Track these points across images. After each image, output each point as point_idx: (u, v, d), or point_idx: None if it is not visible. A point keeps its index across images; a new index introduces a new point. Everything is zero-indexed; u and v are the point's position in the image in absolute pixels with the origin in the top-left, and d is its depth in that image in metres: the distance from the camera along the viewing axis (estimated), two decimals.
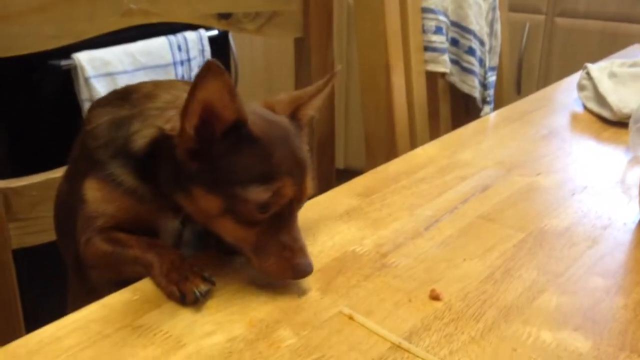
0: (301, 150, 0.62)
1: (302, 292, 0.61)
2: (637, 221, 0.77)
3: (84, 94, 1.65)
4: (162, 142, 0.60)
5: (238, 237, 0.60)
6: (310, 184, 0.62)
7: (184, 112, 0.56)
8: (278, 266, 0.59)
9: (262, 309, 0.58)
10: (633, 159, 0.96)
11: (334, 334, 0.55)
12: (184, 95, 0.57)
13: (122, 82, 1.72)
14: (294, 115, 0.65)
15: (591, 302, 0.61)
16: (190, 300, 0.57)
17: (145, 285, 0.61)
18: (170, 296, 0.59)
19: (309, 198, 0.63)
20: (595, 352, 0.53)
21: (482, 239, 0.73)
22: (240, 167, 0.58)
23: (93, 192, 0.65)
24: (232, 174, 0.58)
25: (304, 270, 0.59)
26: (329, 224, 0.75)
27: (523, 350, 0.54)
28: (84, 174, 0.66)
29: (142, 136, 0.62)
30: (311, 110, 0.67)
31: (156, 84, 0.67)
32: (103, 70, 1.68)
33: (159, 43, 1.80)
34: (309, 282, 0.63)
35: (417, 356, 0.53)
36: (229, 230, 0.60)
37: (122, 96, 0.67)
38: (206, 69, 0.54)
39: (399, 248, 0.70)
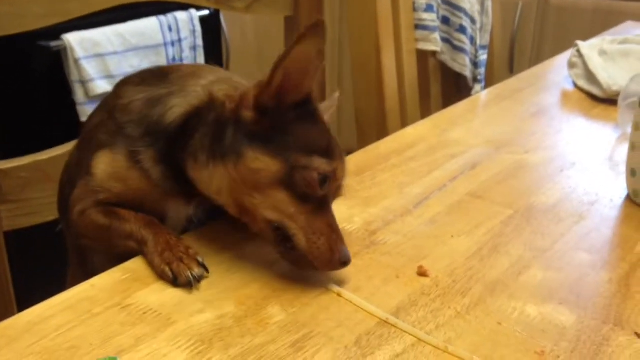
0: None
1: (291, 270, 0.61)
2: (623, 197, 0.78)
3: (74, 75, 1.64)
4: (201, 114, 0.60)
5: (288, 211, 0.57)
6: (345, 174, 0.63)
7: (277, 65, 0.56)
8: (328, 250, 0.57)
9: (251, 287, 0.59)
10: (621, 136, 0.97)
11: (322, 310, 0.56)
12: (230, 78, 0.60)
13: (113, 63, 1.71)
14: None
15: (576, 277, 0.62)
16: (182, 282, 0.57)
17: (135, 265, 0.61)
18: (162, 276, 0.59)
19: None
20: (579, 326, 0.54)
21: (470, 216, 0.73)
22: (308, 138, 0.58)
23: (105, 166, 0.64)
24: (299, 142, 0.58)
25: (348, 258, 0.58)
26: None
27: (508, 324, 0.55)
28: (101, 146, 0.64)
29: (178, 109, 0.62)
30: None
31: (197, 66, 0.67)
32: (93, 51, 1.67)
33: (149, 23, 1.79)
34: None
35: (404, 331, 0.54)
36: (279, 204, 0.57)
37: (158, 75, 0.66)
38: (311, 28, 0.54)
39: (388, 225, 0.71)
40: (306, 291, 0.58)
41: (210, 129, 0.60)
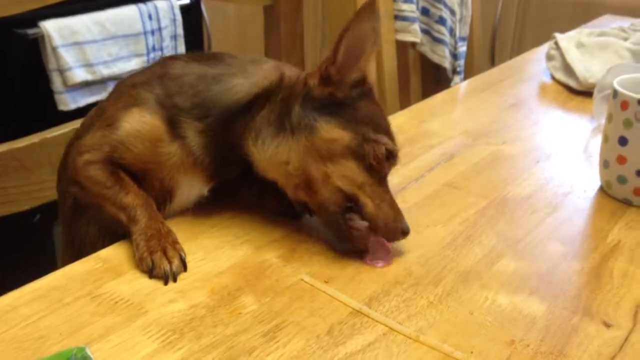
0: None
1: (265, 260, 0.61)
2: (597, 188, 0.79)
3: (51, 64, 1.62)
4: (269, 93, 0.63)
5: (357, 180, 0.61)
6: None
7: (342, 36, 0.59)
8: (392, 218, 0.61)
9: (224, 276, 0.59)
10: (596, 128, 0.97)
11: (295, 300, 0.56)
12: (285, 64, 0.65)
13: (91, 51, 1.69)
14: None
15: (548, 267, 0.62)
16: (157, 274, 0.57)
17: (108, 254, 0.61)
18: (140, 262, 0.58)
19: None
20: (549, 315, 0.55)
21: (446, 206, 0.74)
22: (373, 115, 0.63)
23: (134, 122, 0.62)
24: (366, 117, 0.62)
25: (408, 229, 0.62)
26: None
27: (479, 313, 0.55)
28: (139, 103, 0.63)
29: (243, 88, 0.63)
30: None
31: (253, 56, 0.69)
32: (71, 39, 1.64)
33: (129, 11, 1.77)
34: (274, 249, 0.63)
35: (376, 320, 0.54)
36: (350, 173, 0.61)
37: (211, 57, 0.68)
38: (370, 4, 0.59)
39: None
40: (280, 281, 0.58)
41: (277, 106, 0.63)
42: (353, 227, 0.61)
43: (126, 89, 0.67)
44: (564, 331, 0.53)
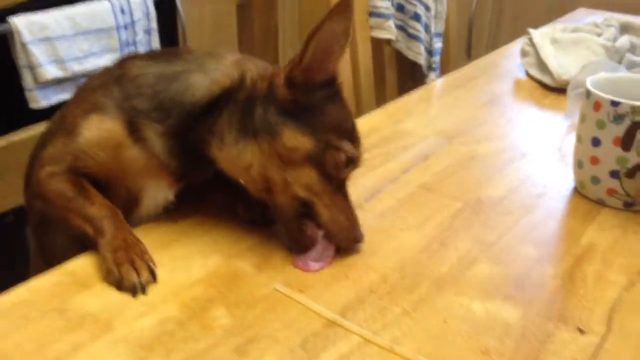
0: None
1: (237, 269, 0.60)
2: (571, 189, 0.79)
3: (22, 60, 1.58)
4: (230, 92, 0.61)
5: (315, 188, 0.60)
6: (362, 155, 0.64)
7: (312, 37, 0.57)
8: (346, 227, 0.61)
9: (196, 288, 0.57)
10: (570, 126, 0.98)
11: (269, 311, 0.55)
12: (249, 58, 0.63)
13: (62, 47, 1.66)
14: None
15: (522, 272, 0.62)
16: (126, 287, 0.55)
17: (75, 266, 0.59)
18: (107, 274, 0.57)
19: None
20: (523, 322, 0.55)
21: (420, 209, 0.73)
22: (338, 119, 0.61)
23: (94, 129, 0.61)
24: (329, 122, 0.60)
25: (362, 237, 0.63)
26: None
27: (453, 321, 0.55)
28: (97, 109, 0.62)
29: (201, 87, 0.61)
30: None
31: (212, 49, 0.67)
32: (41, 34, 1.61)
33: (100, 6, 1.73)
34: (247, 257, 0.62)
35: (351, 331, 0.53)
36: (308, 180, 0.60)
37: (169, 54, 0.66)
38: (344, 4, 0.56)
39: None
40: (253, 291, 0.58)
41: (239, 107, 0.61)
42: (306, 234, 0.61)
43: (84, 94, 0.65)
44: (538, 338, 0.53)
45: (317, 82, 0.60)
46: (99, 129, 0.61)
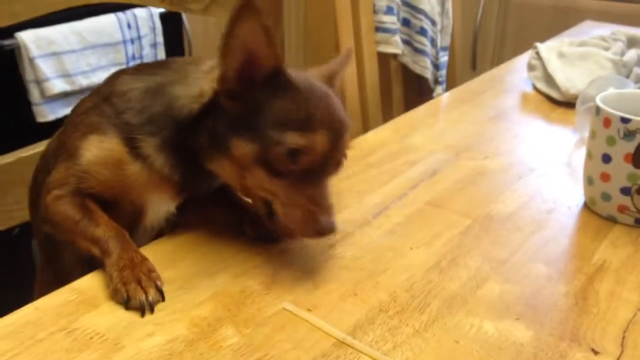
0: (342, 110, 0.61)
1: (245, 288, 0.60)
2: (581, 204, 0.78)
3: (29, 75, 1.59)
4: (208, 103, 0.60)
5: (268, 188, 0.59)
6: (348, 143, 0.61)
7: (223, 52, 0.56)
8: (302, 221, 0.58)
9: (204, 306, 0.57)
10: (579, 140, 0.97)
11: (278, 331, 0.54)
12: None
13: (69, 62, 1.66)
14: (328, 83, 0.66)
15: (533, 290, 0.61)
16: (134, 306, 0.55)
17: (83, 285, 0.59)
18: (114, 294, 0.56)
19: (345, 157, 0.63)
20: (536, 343, 0.54)
21: (429, 226, 0.73)
22: (279, 110, 0.58)
23: (94, 149, 0.62)
24: (270, 117, 0.58)
25: (328, 228, 0.59)
26: None
27: (465, 342, 0.54)
28: (93, 130, 0.63)
29: (185, 100, 0.61)
30: (339, 83, 0.67)
31: (197, 55, 0.66)
32: (48, 49, 1.62)
33: (107, 21, 1.74)
34: (254, 275, 0.62)
35: (361, 352, 0.53)
36: (260, 181, 0.59)
37: (156, 65, 0.66)
38: (240, 7, 0.54)
39: (346, 237, 0.70)
40: (262, 310, 0.57)
41: (211, 120, 0.60)
42: (274, 230, 0.63)
43: (79, 118, 0.66)
44: (551, 358, 0.52)
45: (259, 80, 0.58)
46: (99, 149, 0.62)
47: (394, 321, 0.56)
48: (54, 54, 1.65)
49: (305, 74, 0.63)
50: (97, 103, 0.65)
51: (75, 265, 0.66)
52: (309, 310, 0.57)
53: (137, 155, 0.62)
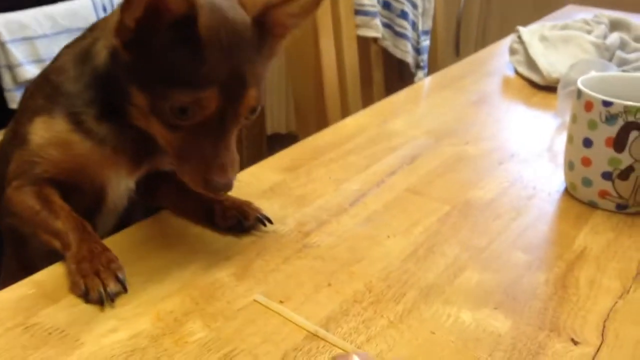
0: (248, 60, 0.56)
1: (215, 280, 0.57)
2: (561, 190, 0.76)
3: (0, 60, 1.55)
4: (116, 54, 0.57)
5: (165, 139, 0.57)
6: (250, 100, 0.56)
7: (125, 3, 0.52)
8: (195, 176, 0.56)
9: (171, 299, 0.55)
10: (560, 125, 0.96)
11: (248, 324, 0.52)
12: None
13: (43, 46, 1.62)
14: (263, 20, 0.57)
15: (512, 278, 0.60)
16: (93, 299, 0.53)
17: (43, 278, 0.56)
18: (73, 287, 0.54)
19: (254, 111, 0.58)
20: (514, 333, 0.52)
21: (407, 213, 0.71)
22: (170, 65, 0.54)
23: (42, 132, 0.60)
24: (160, 70, 0.54)
25: (217, 187, 0.56)
26: None
27: (441, 333, 0.52)
28: (38, 112, 0.61)
29: (105, 53, 0.58)
30: (286, 18, 0.59)
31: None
32: (20, 34, 1.57)
33: (81, 4, 1.70)
34: (225, 267, 0.59)
35: (334, 344, 0.51)
36: (158, 133, 0.57)
37: (86, 29, 0.63)
38: None
39: (322, 226, 0.68)
40: (232, 303, 0.55)
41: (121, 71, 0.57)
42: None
43: (26, 103, 0.64)
44: (530, 350, 0.51)
45: (162, 27, 0.53)
46: (45, 130, 0.60)
47: (369, 312, 0.54)
48: (26, 39, 1.60)
49: (226, 9, 0.56)
50: (39, 84, 0.63)
51: (41, 257, 0.63)
52: (280, 302, 0.55)
53: (84, 132, 0.60)
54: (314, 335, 0.51)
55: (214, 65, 0.53)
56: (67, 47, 0.64)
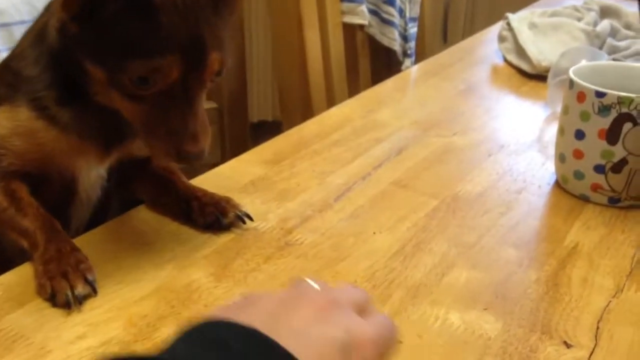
0: (207, 22, 0.53)
1: (192, 281, 0.55)
2: (552, 183, 0.74)
3: None
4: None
5: (129, 113, 0.54)
6: (214, 63, 0.53)
7: None
8: (162, 149, 0.54)
9: (145, 303, 0.52)
10: (550, 115, 0.93)
11: None
12: None
13: (20, 33, 1.58)
14: None
15: (502, 277, 0.58)
16: (60, 302, 0.50)
17: (10, 280, 0.53)
18: (39, 289, 0.51)
19: (219, 74, 0.55)
20: (504, 336, 0.50)
21: (393, 208, 0.68)
22: (123, 34, 0.51)
23: (5, 122, 0.57)
24: (114, 43, 0.51)
25: (189, 157, 0.53)
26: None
27: (429, 336, 0.50)
28: (0, 103, 0.58)
29: (53, 27, 0.55)
30: None
31: None
32: None
33: None
34: (203, 267, 0.57)
35: None
36: (121, 106, 0.54)
37: (43, 8, 0.59)
38: None
39: (305, 222, 0.65)
40: (209, 306, 0.52)
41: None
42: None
43: None
44: (521, 354, 0.48)
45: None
46: (8, 120, 0.57)
47: None
48: (4, 25, 1.55)
49: None
50: (1, 73, 0.60)
51: (15, 255, 0.60)
52: None
53: (48, 118, 0.57)
54: None
55: (171, 30, 0.51)
56: (27, 31, 0.61)
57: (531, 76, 1.08)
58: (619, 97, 0.64)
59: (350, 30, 1.33)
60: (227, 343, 0.29)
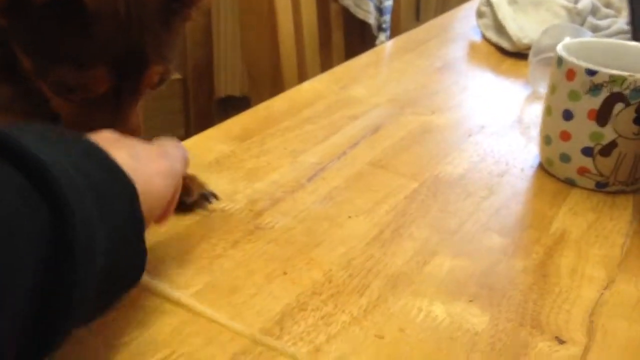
0: (152, 35, 0.48)
1: (153, 267, 0.49)
2: (535, 166, 0.71)
3: None
4: None
5: (56, 105, 0.50)
6: (152, 76, 0.49)
7: None
8: None
9: None
10: (532, 94, 0.90)
11: (187, 324, 0.45)
12: None
13: None
14: None
15: (487, 266, 0.54)
16: None
17: None
18: None
19: (161, 83, 0.51)
20: (492, 331, 0.46)
21: (371, 190, 0.64)
22: (51, 38, 0.46)
23: None
24: (40, 42, 0.47)
25: None
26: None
27: (412, 330, 0.46)
28: None
29: None
30: None
31: None
32: None
33: None
34: (163, 252, 0.52)
35: (284, 352, 0.44)
36: (50, 97, 0.50)
37: None
38: None
39: (276, 204, 0.60)
40: (170, 296, 0.47)
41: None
42: None
43: None
44: (510, 351, 0.45)
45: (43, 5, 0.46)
46: None
47: (329, 307, 0.48)
48: None
49: None
50: None
51: None
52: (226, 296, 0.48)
53: None
54: (261, 339, 0.44)
55: (104, 41, 0.46)
56: None
57: (510, 54, 1.04)
58: (610, 76, 0.60)
59: (323, 2, 1.28)
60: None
